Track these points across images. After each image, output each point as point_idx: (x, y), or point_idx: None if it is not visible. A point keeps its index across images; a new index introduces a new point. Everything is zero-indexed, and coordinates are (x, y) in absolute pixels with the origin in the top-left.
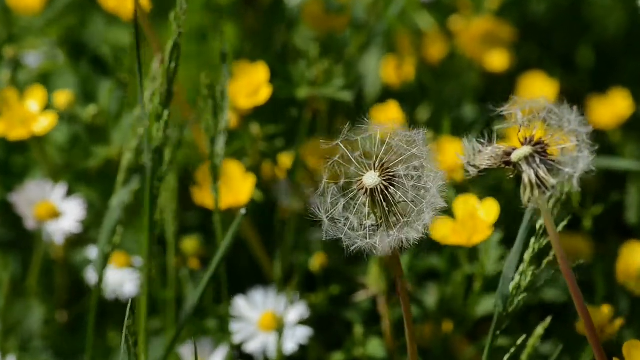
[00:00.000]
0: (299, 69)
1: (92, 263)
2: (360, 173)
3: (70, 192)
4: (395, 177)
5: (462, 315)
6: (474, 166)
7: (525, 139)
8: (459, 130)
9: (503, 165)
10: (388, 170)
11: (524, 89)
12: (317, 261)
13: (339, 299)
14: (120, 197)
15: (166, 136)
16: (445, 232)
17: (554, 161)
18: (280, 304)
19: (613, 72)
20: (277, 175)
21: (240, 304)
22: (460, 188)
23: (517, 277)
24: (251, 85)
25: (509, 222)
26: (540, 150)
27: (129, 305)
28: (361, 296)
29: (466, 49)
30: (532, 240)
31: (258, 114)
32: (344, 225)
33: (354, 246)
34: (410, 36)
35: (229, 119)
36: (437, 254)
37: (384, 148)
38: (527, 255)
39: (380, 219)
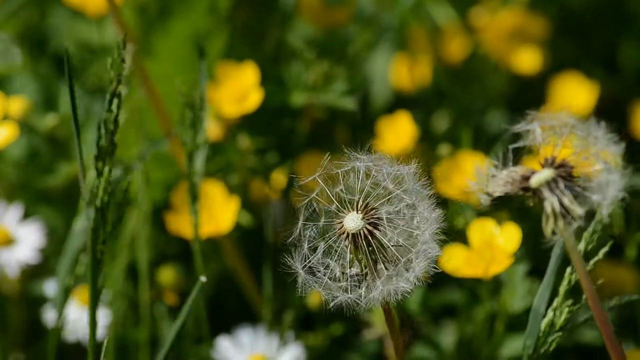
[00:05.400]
0: (294, 71)
1: (51, 299)
2: (341, 214)
3: (27, 215)
4: (382, 220)
5: (485, 358)
6: (487, 194)
7: (547, 160)
8: (483, 143)
9: (521, 192)
10: (373, 212)
11: (559, 94)
12: (315, 296)
13: (340, 340)
14: (85, 220)
15: (108, 193)
16: (458, 262)
17: (580, 186)
18: (271, 345)
19: None
20: (269, 195)
21: (224, 345)
22: (480, 211)
23: (550, 314)
24: (238, 89)
25: (538, 250)
26: (564, 173)
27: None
28: (366, 336)
29: (491, 47)
30: (568, 270)
31: (247, 123)
32: (324, 275)
33: (335, 301)
34: (426, 32)
35: (211, 130)
36: (455, 287)
37: (369, 182)
38: (562, 288)
39: (365, 267)
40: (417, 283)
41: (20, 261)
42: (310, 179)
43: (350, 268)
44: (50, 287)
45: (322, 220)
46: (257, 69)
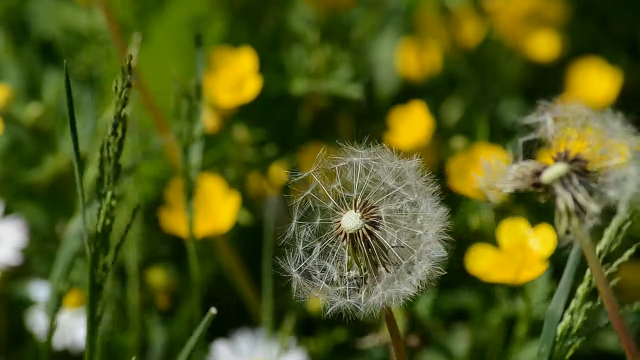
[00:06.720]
0: (294, 56)
1: (39, 303)
2: (339, 212)
3: (8, 212)
4: (381, 219)
5: None
6: (495, 190)
7: (559, 154)
8: (499, 134)
9: (532, 188)
10: (372, 210)
11: (579, 82)
12: (316, 299)
13: (344, 346)
14: (81, 222)
15: (111, 218)
16: (486, 265)
17: (595, 182)
18: (271, 351)
19: None
20: (268, 190)
21: (221, 351)
22: (499, 209)
23: (567, 317)
24: (235, 77)
25: (560, 251)
26: (578, 168)
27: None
28: (371, 342)
29: (505, 31)
30: (588, 272)
31: (243, 113)
32: (321, 278)
33: (333, 306)
34: (435, 15)
35: (205, 120)
36: (468, 290)
37: (368, 179)
38: (581, 290)
39: (365, 269)
40: (420, 287)
41: (0, 261)
42: (305, 175)
43: (348, 271)
44: (36, 290)
45: (318, 219)
46: (254, 55)
